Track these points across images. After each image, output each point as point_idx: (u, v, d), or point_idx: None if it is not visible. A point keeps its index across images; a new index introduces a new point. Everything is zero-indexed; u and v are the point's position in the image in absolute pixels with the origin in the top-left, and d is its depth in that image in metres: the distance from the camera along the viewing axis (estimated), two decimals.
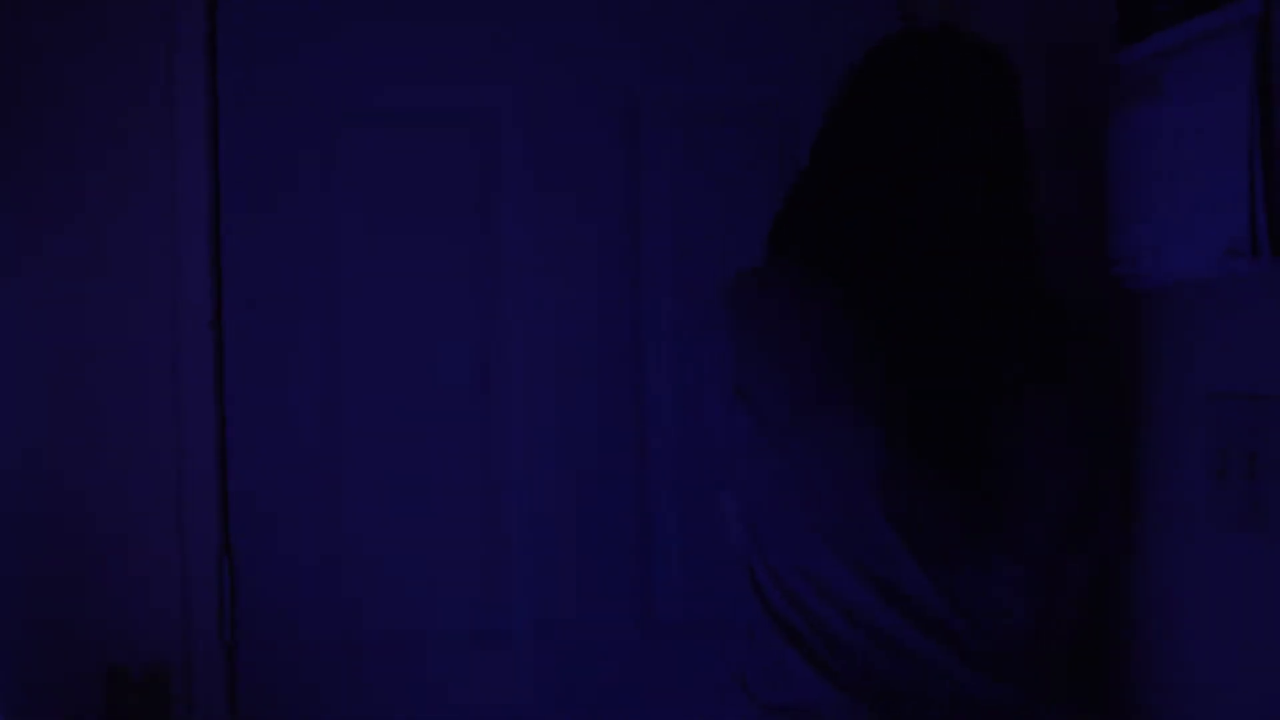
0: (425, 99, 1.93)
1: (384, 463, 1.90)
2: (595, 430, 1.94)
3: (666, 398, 1.95)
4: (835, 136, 1.46)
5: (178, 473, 1.89)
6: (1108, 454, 1.47)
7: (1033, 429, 1.40)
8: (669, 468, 1.96)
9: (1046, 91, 1.66)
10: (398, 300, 1.91)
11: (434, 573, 1.91)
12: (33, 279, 1.91)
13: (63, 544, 1.89)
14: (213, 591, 1.88)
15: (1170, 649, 1.44)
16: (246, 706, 1.90)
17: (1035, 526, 1.39)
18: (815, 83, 1.87)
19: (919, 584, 1.35)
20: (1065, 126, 1.67)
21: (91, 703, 1.87)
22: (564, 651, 1.92)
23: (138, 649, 1.88)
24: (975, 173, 1.40)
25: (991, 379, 1.39)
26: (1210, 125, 1.33)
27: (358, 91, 1.91)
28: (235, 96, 1.91)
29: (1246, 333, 1.31)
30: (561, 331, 1.93)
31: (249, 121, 1.91)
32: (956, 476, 1.37)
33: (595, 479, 1.94)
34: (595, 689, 1.93)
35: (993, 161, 1.41)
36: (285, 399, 1.90)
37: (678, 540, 1.95)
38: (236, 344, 1.90)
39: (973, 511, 1.37)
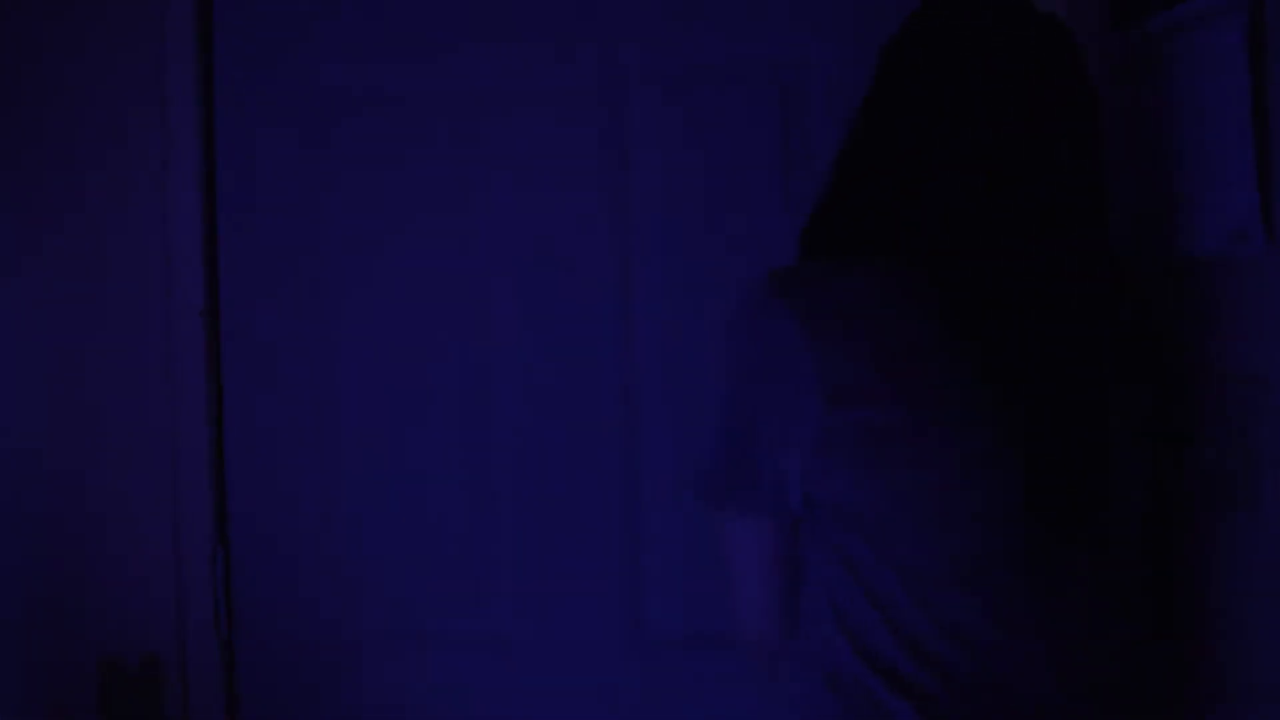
0: (407, 79, 1.88)
1: (379, 458, 1.88)
2: (583, 426, 1.85)
3: (659, 395, 1.86)
4: (872, 114, 1.30)
5: (172, 465, 1.89)
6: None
7: (1115, 422, 1.29)
8: (662, 470, 1.83)
9: None
10: (394, 291, 1.88)
11: (426, 570, 1.87)
12: (32, 277, 1.91)
13: (57, 536, 1.89)
14: (207, 584, 1.88)
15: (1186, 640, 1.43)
16: (243, 699, 1.89)
17: (1132, 532, 1.34)
18: (821, 41, 1.78)
19: (1038, 605, 1.23)
20: None
21: (85, 694, 1.87)
22: (553, 660, 1.85)
23: (132, 641, 1.88)
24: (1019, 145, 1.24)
25: (1075, 371, 1.25)
26: (1209, 108, 1.33)
27: (346, 76, 1.88)
28: (230, 87, 1.90)
29: (1248, 317, 1.30)
30: (552, 326, 1.86)
31: (245, 111, 1.90)
32: (1066, 481, 1.23)
33: (583, 479, 1.85)
34: (581, 703, 1.84)
35: (1034, 130, 1.24)
36: (283, 392, 1.88)
37: (669, 550, 1.84)
38: (233, 337, 1.90)
39: (1084, 518, 1.25)
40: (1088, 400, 1.23)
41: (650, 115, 1.84)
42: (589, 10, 1.84)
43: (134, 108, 1.92)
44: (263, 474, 1.89)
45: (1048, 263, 1.23)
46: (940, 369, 1.19)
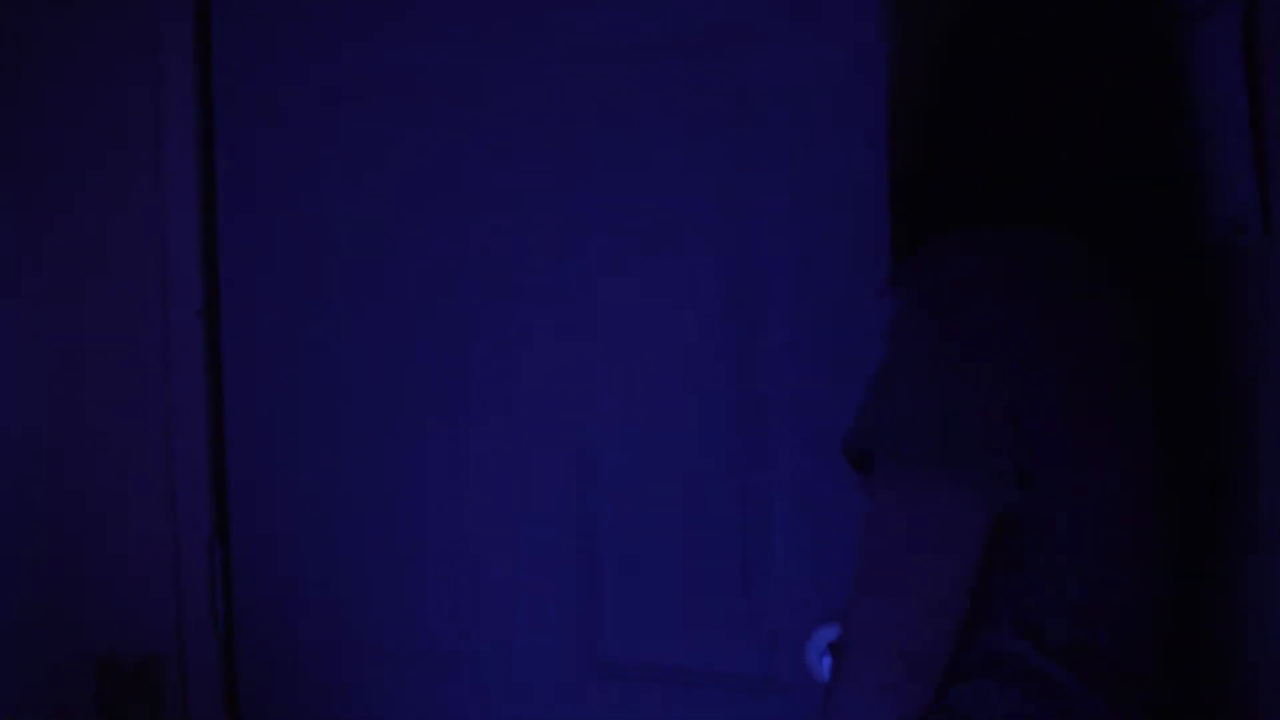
0: (406, 78, 1.82)
1: (375, 459, 1.86)
2: (549, 437, 1.73)
3: (616, 398, 1.69)
4: (985, 77, 1.24)
5: (168, 464, 1.89)
6: None
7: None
8: (619, 483, 1.68)
9: None
10: (395, 291, 1.84)
11: (407, 580, 1.83)
12: (31, 277, 1.91)
13: (54, 535, 1.89)
14: (206, 583, 1.87)
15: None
16: (242, 699, 1.88)
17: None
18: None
19: (1182, 599, 1.26)
20: None
21: (83, 694, 1.86)
22: (511, 684, 1.76)
23: (129, 639, 1.88)
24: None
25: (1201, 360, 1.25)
26: (1206, 100, 1.33)
27: (346, 73, 1.84)
28: (228, 85, 1.90)
29: (1246, 308, 1.30)
30: (528, 326, 1.75)
31: (244, 108, 1.89)
32: (1207, 486, 1.26)
33: (541, 491, 1.73)
34: None
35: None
36: (284, 390, 1.88)
37: (630, 567, 1.70)
38: (233, 336, 1.89)
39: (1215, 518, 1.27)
40: (1205, 388, 1.25)
41: (593, 87, 1.68)
42: None
43: (132, 106, 1.92)
44: (262, 473, 1.88)
45: (1171, 242, 1.25)
46: (1128, 363, 1.16)
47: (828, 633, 1.40)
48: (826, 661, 1.36)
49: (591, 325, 1.70)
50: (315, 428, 1.87)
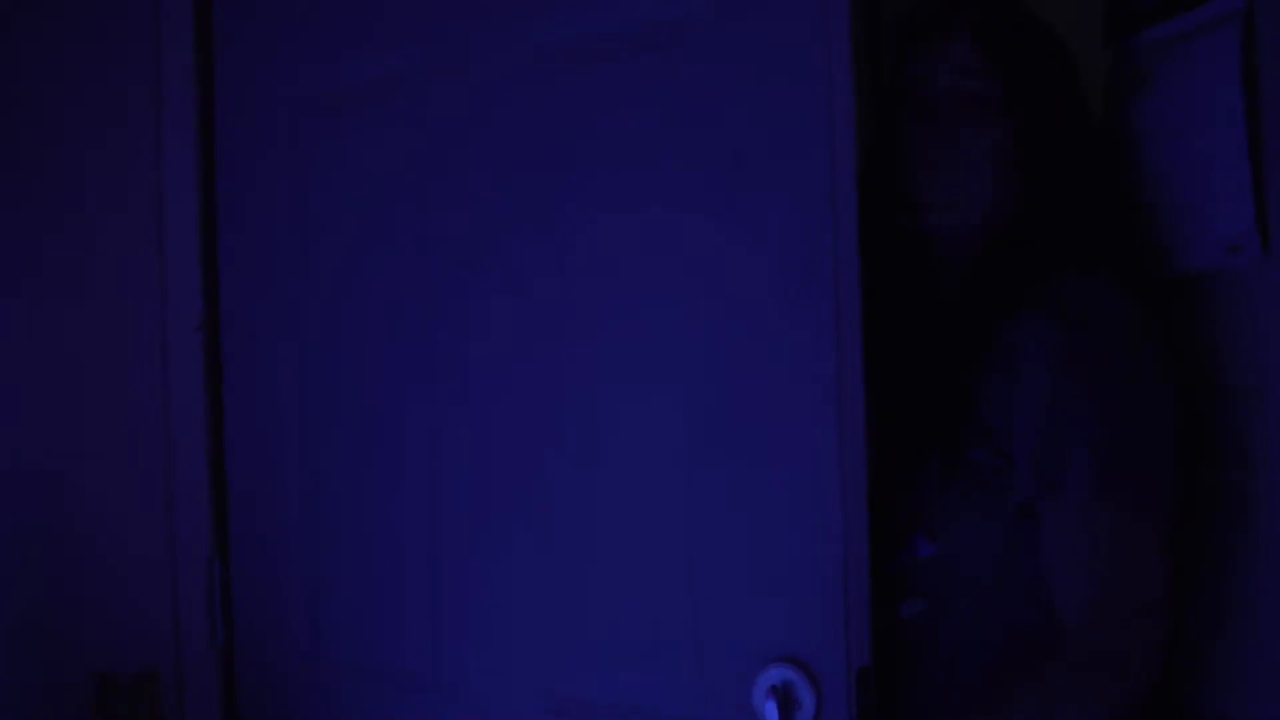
0: (414, 82, 1.72)
1: (377, 473, 1.83)
2: (515, 461, 1.64)
3: (595, 423, 1.57)
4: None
5: (166, 478, 1.89)
6: None
7: None
8: (581, 513, 1.58)
9: None
10: (404, 300, 1.76)
11: (396, 598, 1.76)
12: (27, 285, 1.91)
13: (51, 549, 1.88)
14: (204, 596, 1.87)
15: None
16: (242, 714, 1.88)
17: None
18: None
19: None
20: None
21: (80, 708, 1.86)
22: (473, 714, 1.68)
23: (127, 654, 1.87)
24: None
25: None
26: (1203, 121, 1.34)
27: (336, 71, 1.78)
28: (228, 87, 1.86)
29: (1244, 330, 1.31)
30: (516, 348, 1.66)
31: (246, 114, 1.86)
32: None
33: (503, 521, 1.64)
34: None
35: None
36: (286, 404, 1.84)
37: (588, 598, 1.58)
38: (235, 348, 1.87)
39: None
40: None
41: (573, 93, 1.58)
42: None
43: (132, 110, 1.91)
44: (264, 487, 1.86)
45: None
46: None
47: (772, 674, 1.39)
48: (769, 705, 1.33)
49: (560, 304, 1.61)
50: (318, 441, 1.86)
